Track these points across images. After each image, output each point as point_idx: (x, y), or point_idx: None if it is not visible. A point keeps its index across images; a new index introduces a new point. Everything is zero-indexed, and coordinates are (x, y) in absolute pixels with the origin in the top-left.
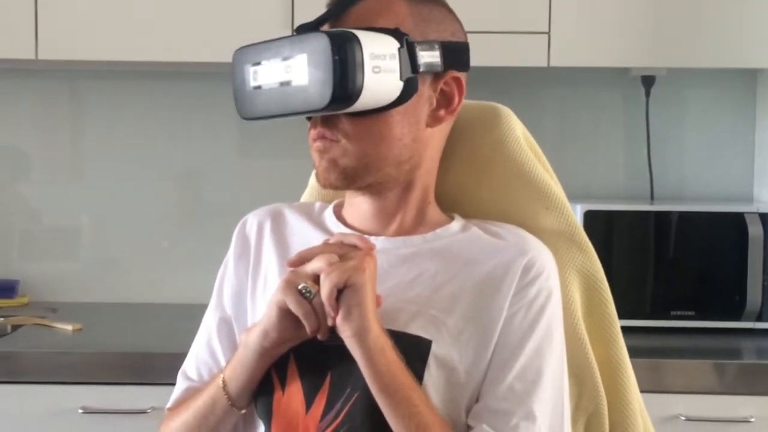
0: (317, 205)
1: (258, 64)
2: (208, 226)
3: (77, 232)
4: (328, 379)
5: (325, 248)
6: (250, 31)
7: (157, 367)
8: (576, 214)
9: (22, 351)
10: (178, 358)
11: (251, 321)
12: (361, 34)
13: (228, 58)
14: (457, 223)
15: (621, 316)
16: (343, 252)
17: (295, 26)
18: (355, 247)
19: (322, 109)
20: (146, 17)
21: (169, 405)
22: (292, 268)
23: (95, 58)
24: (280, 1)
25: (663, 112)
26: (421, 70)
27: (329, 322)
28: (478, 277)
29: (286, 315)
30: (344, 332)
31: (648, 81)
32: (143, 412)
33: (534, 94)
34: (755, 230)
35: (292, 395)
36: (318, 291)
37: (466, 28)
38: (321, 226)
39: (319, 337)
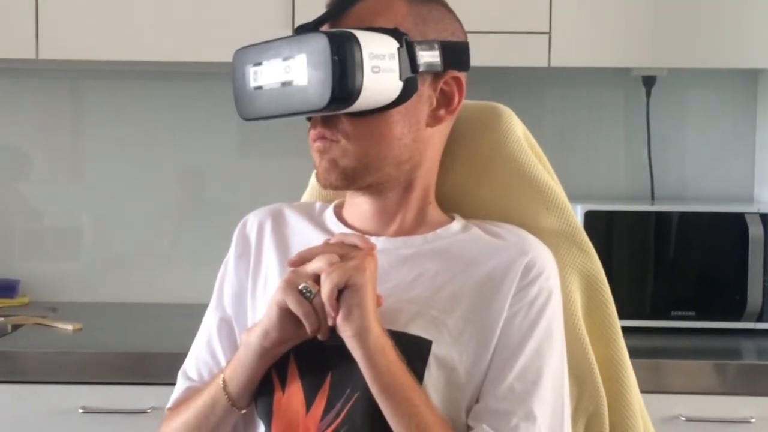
0: (318, 205)
1: (259, 64)
2: (208, 226)
3: (77, 231)
4: (328, 379)
5: (325, 248)
6: (250, 31)
7: (158, 367)
8: (576, 214)
9: (23, 351)
10: (178, 358)
11: (251, 321)
12: (361, 34)
13: (228, 58)
14: (457, 224)
15: (621, 317)
16: (343, 252)
17: (295, 26)
18: (355, 247)
19: (322, 110)
20: (147, 17)
21: (169, 405)
22: (292, 268)
23: (96, 58)
24: (280, 1)
25: (664, 113)
26: (420, 69)
27: (329, 322)
28: (478, 277)
29: (286, 315)
30: (345, 332)
31: (649, 81)
32: (143, 411)
33: (534, 94)
34: (756, 231)
35: (292, 395)
36: (318, 291)
37: (467, 28)
38: (321, 226)
39: (319, 337)
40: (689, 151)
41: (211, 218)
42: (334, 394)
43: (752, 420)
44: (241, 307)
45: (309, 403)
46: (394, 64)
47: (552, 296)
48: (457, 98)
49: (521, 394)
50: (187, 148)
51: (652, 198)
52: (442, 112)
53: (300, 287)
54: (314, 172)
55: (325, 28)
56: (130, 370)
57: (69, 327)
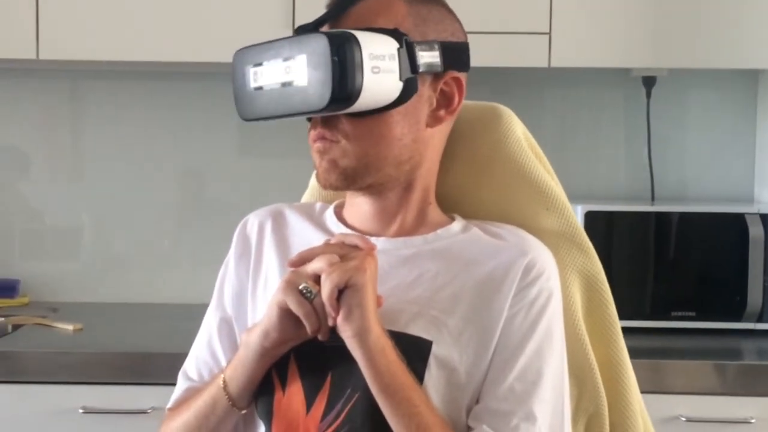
0: (318, 205)
1: (259, 64)
2: (208, 226)
3: (78, 231)
4: (328, 379)
5: (326, 248)
6: (251, 31)
7: (158, 367)
8: (576, 214)
9: (23, 351)
10: (179, 358)
11: (252, 321)
12: (360, 35)
13: (228, 58)
14: (457, 224)
15: (621, 317)
16: (344, 252)
17: (295, 27)
18: (356, 247)
19: (322, 110)
20: (147, 17)
21: (169, 405)
22: (292, 269)
23: (96, 58)
24: (280, 1)
25: (664, 113)
26: (420, 70)
27: (330, 323)
28: (478, 277)
29: (286, 315)
30: (345, 332)
31: (649, 81)
32: (144, 412)
33: (535, 94)
34: (756, 231)
35: (292, 396)
36: (319, 291)
37: (467, 28)
38: (322, 226)
39: (319, 337)
40: (689, 152)
41: (211, 218)
42: (335, 395)
43: (752, 420)
44: (241, 307)
45: (309, 403)
46: (394, 65)
47: (552, 297)
48: (457, 99)
49: (521, 395)
50: (187, 148)
51: (652, 198)
52: (442, 112)
53: (300, 287)
54: (314, 172)
55: (325, 28)
56: (130, 370)
57: (69, 327)
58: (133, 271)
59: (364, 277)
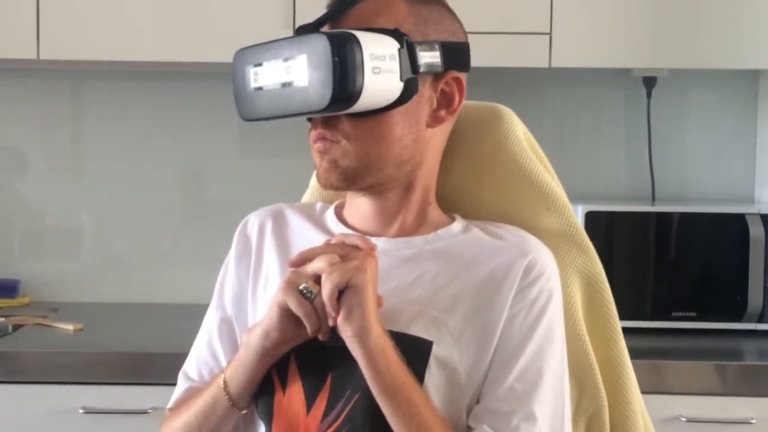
0: (318, 205)
1: (259, 65)
2: (208, 226)
3: (78, 231)
4: (328, 379)
5: (326, 248)
6: (251, 31)
7: (158, 367)
8: (577, 214)
9: (23, 351)
10: (179, 358)
11: (252, 321)
12: (361, 35)
13: (228, 58)
14: (458, 224)
15: (622, 317)
16: (344, 252)
17: (296, 27)
18: (356, 247)
19: (322, 110)
20: (147, 17)
21: (169, 405)
22: (293, 269)
23: (96, 58)
24: (280, 1)
25: (664, 113)
26: (421, 70)
27: (330, 323)
28: (479, 278)
29: (287, 315)
30: (345, 333)
31: (649, 82)
32: (144, 412)
33: (535, 94)
34: (756, 231)
35: (292, 396)
36: (319, 291)
37: (467, 29)
38: (322, 226)
39: (320, 337)
40: (690, 152)
41: (211, 218)
42: (335, 395)
43: (753, 421)
44: (241, 307)
45: (309, 403)
46: (395, 65)
47: (552, 297)
48: (457, 99)
49: (522, 395)
50: (187, 148)
51: (653, 198)
52: (442, 112)
53: (301, 287)
54: (315, 172)
55: (325, 28)
56: (131, 370)
57: (69, 327)
58: (133, 271)
59: (365, 278)
